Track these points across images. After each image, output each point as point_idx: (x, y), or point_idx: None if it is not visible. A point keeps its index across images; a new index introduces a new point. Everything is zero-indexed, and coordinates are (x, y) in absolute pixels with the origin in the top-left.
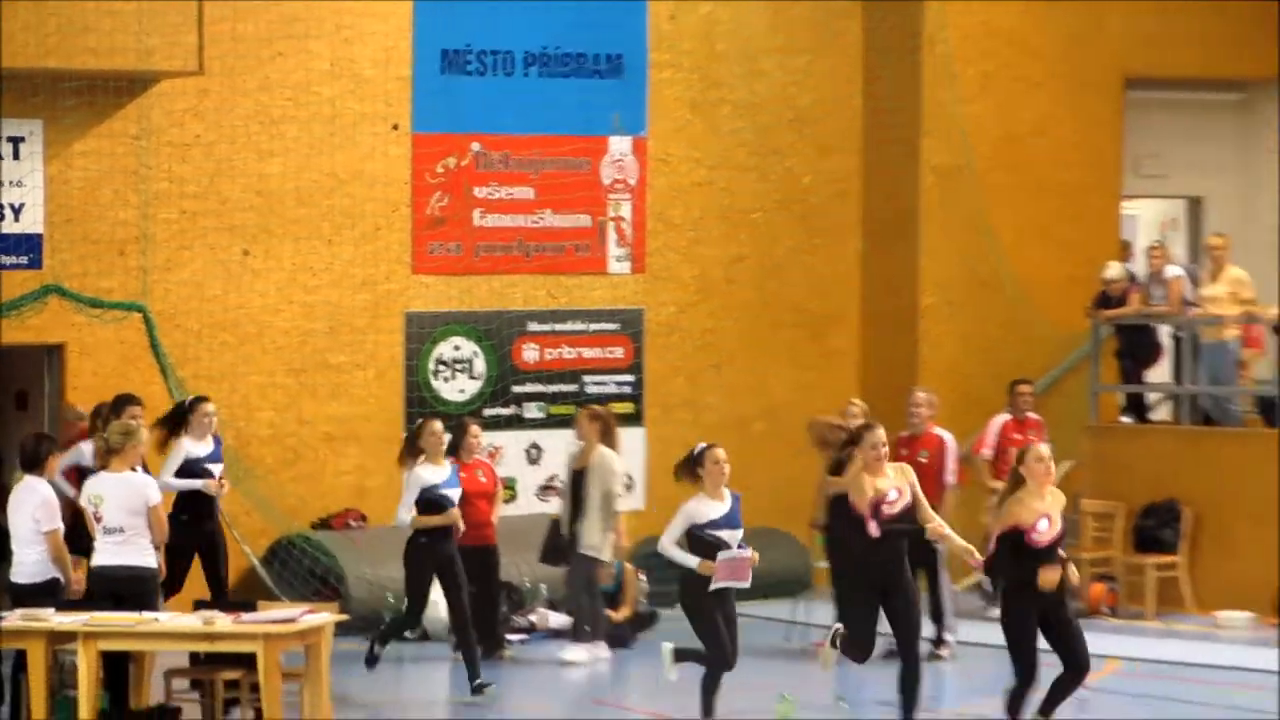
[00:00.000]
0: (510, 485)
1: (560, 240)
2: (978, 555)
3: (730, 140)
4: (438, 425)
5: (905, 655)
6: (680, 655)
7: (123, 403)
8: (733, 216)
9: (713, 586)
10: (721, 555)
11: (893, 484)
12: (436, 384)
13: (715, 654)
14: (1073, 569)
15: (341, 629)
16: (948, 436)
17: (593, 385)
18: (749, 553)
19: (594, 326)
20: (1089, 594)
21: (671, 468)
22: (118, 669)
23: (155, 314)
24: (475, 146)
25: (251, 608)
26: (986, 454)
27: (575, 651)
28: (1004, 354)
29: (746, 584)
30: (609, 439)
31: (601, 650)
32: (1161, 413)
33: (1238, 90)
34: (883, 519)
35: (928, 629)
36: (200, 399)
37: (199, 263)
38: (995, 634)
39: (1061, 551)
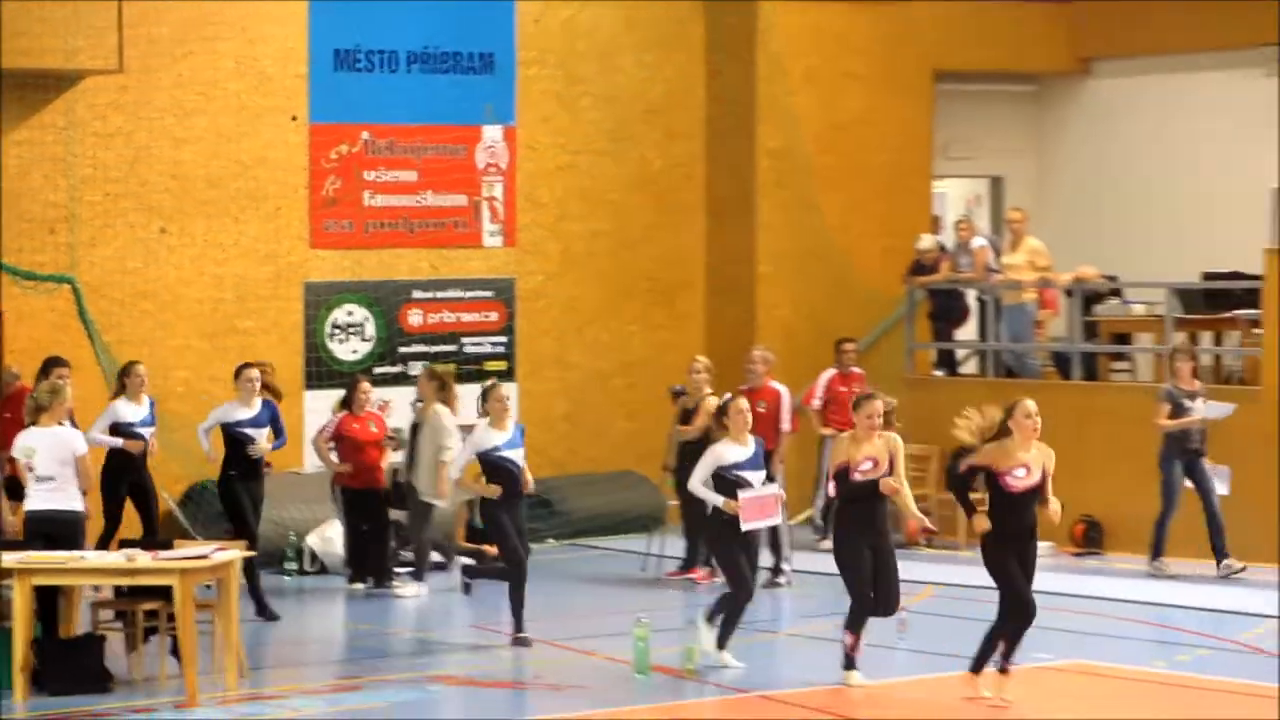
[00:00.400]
0: (397, 435)
1: (441, 218)
2: (927, 523)
3: (590, 129)
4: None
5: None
6: (715, 615)
7: (51, 365)
8: (592, 196)
9: (744, 528)
10: (744, 493)
11: (872, 453)
12: (332, 345)
13: (739, 588)
14: (1054, 509)
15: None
16: (783, 389)
17: (470, 346)
18: (774, 489)
19: (471, 294)
20: (908, 527)
21: (541, 419)
22: (49, 602)
23: (83, 285)
24: (365, 135)
25: (169, 546)
26: (816, 404)
27: (409, 588)
28: (831, 316)
29: (776, 521)
30: (445, 396)
31: (424, 588)
32: (969, 367)
33: (1033, 83)
34: (853, 483)
35: (767, 559)
36: (132, 363)
37: (121, 240)
38: (826, 563)
39: (1049, 498)
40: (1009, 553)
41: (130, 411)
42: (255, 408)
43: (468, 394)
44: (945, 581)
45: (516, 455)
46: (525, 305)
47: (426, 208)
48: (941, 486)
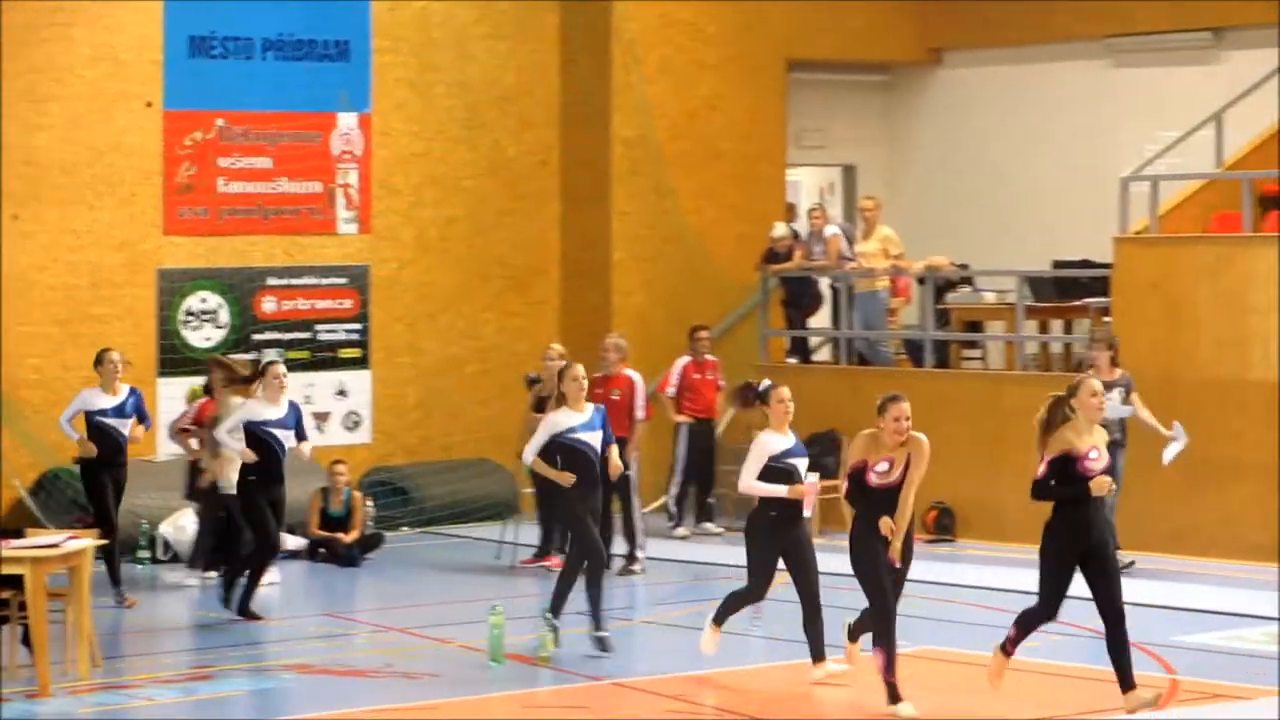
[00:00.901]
0: None
1: (295, 205)
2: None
3: (444, 116)
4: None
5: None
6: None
7: None
8: (446, 183)
9: (806, 513)
10: (811, 479)
11: (890, 454)
12: (186, 333)
13: (757, 587)
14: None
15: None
16: (637, 376)
17: (325, 333)
18: (813, 478)
19: (325, 281)
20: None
21: (395, 406)
22: None
23: None
24: (220, 122)
25: (20, 534)
26: (670, 392)
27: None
28: (685, 303)
29: (809, 512)
30: (234, 386)
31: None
32: (822, 354)
33: (884, 72)
34: (871, 485)
35: (621, 547)
36: (104, 350)
37: None
38: (679, 550)
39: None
40: (1074, 545)
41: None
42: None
43: (323, 381)
44: None
45: (594, 439)
46: (379, 292)
47: (281, 194)
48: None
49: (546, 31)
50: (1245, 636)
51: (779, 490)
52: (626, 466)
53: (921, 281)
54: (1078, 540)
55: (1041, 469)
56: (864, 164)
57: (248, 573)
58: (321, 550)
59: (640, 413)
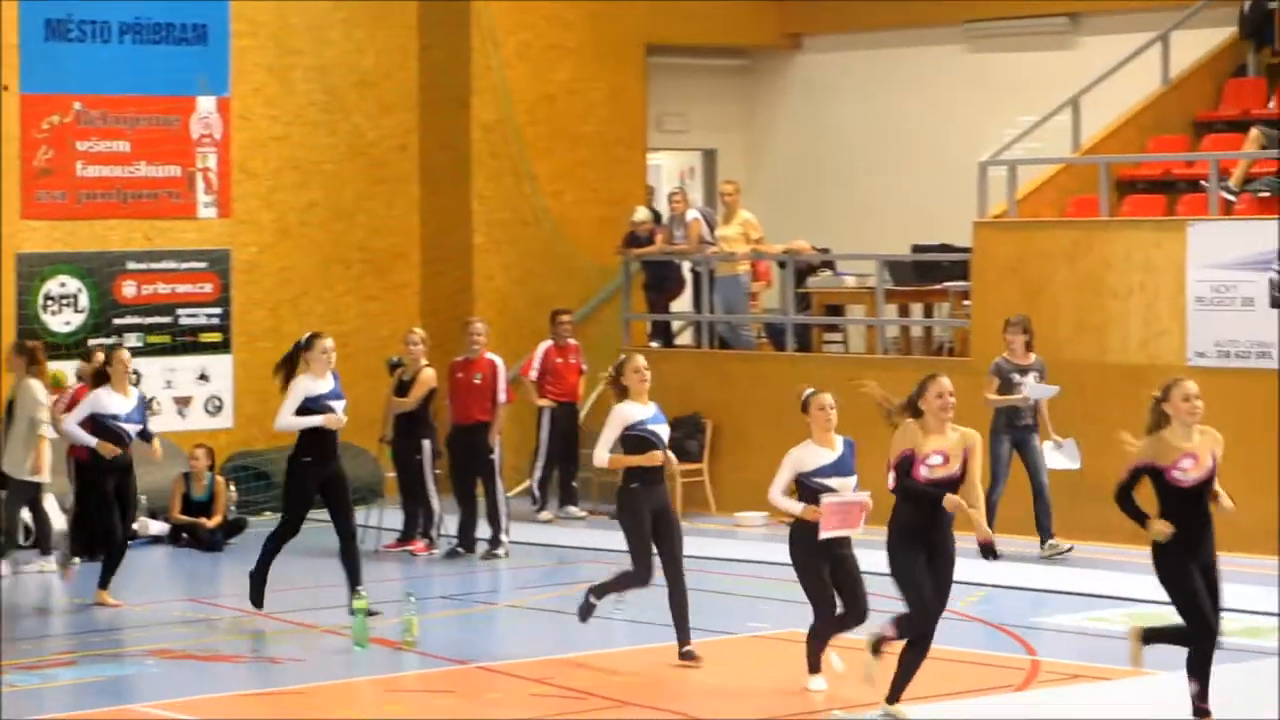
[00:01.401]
0: None
1: (155, 189)
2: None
3: (303, 100)
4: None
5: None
6: (876, 649)
7: None
8: (306, 167)
9: (822, 535)
10: (827, 499)
11: (944, 447)
12: (45, 317)
13: (822, 612)
14: (1225, 504)
15: None
16: (499, 360)
17: (185, 317)
18: (861, 497)
19: (185, 265)
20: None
21: (257, 390)
22: None
23: None
24: (77, 105)
25: None
26: (533, 376)
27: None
28: (546, 287)
29: (858, 531)
30: (35, 370)
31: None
32: (684, 338)
33: (744, 57)
34: (923, 480)
35: (484, 530)
36: (114, 346)
37: None
38: (543, 534)
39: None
40: (1187, 560)
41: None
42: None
43: (184, 366)
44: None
45: (662, 431)
46: (240, 276)
47: (140, 178)
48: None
49: (405, 15)
50: (1105, 618)
51: (794, 508)
52: (490, 450)
53: (782, 265)
54: (1192, 548)
55: (1124, 473)
56: (724, 148)
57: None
58: (184, 535)
59: (502, 396)
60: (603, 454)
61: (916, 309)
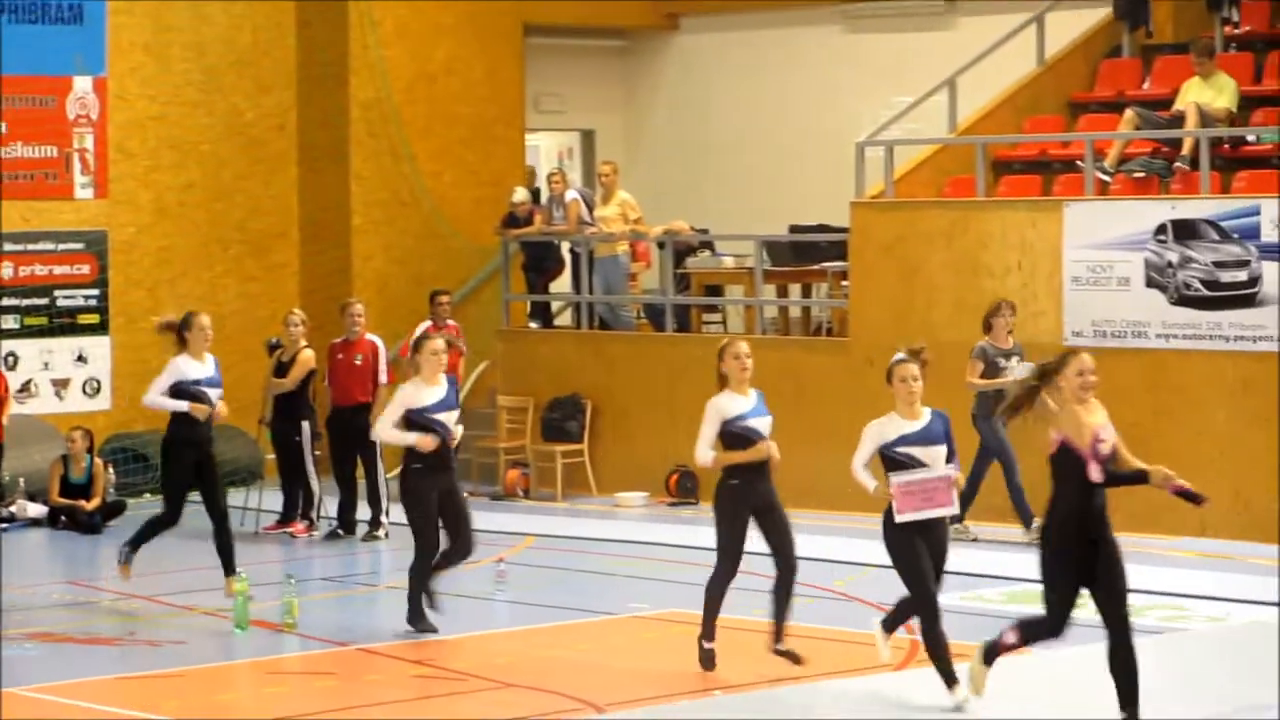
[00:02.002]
0: None
1: (31, 169)
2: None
3: (180, 79)
4: None
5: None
6: (890, 625)
7: None
8: (184, 147)
9: (899, 519)
10: (898, 479)
11: (1104, 423)
12: None
13: (920, 595)
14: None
15: None
16: (379, 341)
17: (63, 299)
18: (947, 471)
19: (63, 246)
20: (506, 479)
21: (135, 372)
22: None
23: None
24: None
25: None
26: (410, 356)
27: None
28: (425, 267)
29: (948, 510)
30: None
31: None
32: (564, 319)
33: (622, 37)
34: (1101, 459)
35: (365, 512)
36: (192, 313)
37: None
38: None
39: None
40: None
41: (194, 369)
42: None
43: (62, 347)
44: (543, 532)
45: (764, 424)
46: (118, 257)
47: (16, 159)
48: (538, 438)
49: None
50: (984, 596)
51: (869, 485)
52: (370, 431)
53: (661, 246)
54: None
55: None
56: (602, 129)
57: None
58: (62, 518)
59: (383, 377)
60: (705, 453)
61: (795, 289)
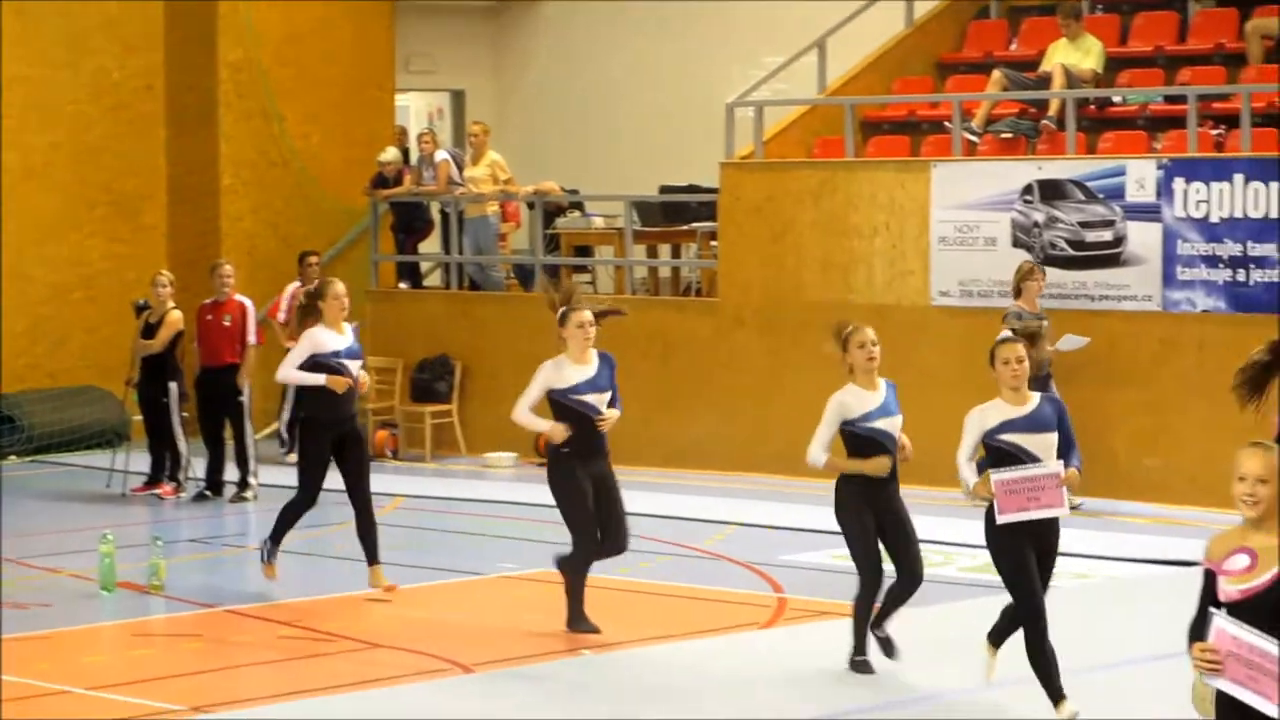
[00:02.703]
0: None
1: None
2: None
3: (45, 40)
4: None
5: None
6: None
7: None
8: (50, 108)
9: (1000, 519)
10: (1000, 475)
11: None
12: None
13: (1024, 606)
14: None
15: None
16: (248, 302)
17: None
18: (1053, 468)
19: None
20: (375, 440)
21: (3, 331)
22: None
23: None
24: None
25: None
26: (281, 318)
27: None
28: (294, 228)
29: (1060, 511)
30: None
31: None
32: (433, 279)
33: None
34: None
35: (233, 473)
36: (328, 281)
37: None
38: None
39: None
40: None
41: (332, 340)
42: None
43: None
44: (411, 493)
45: (893, 425)
46: None
47: None
48: (407, 399)
49: None
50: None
51: (969, 480)
52: (239, 392)
53: (531, 206)
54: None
55: None
56: (472, 90)
57: None
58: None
59: (252, 338)
60: (819, 455)
61: (664, 250)
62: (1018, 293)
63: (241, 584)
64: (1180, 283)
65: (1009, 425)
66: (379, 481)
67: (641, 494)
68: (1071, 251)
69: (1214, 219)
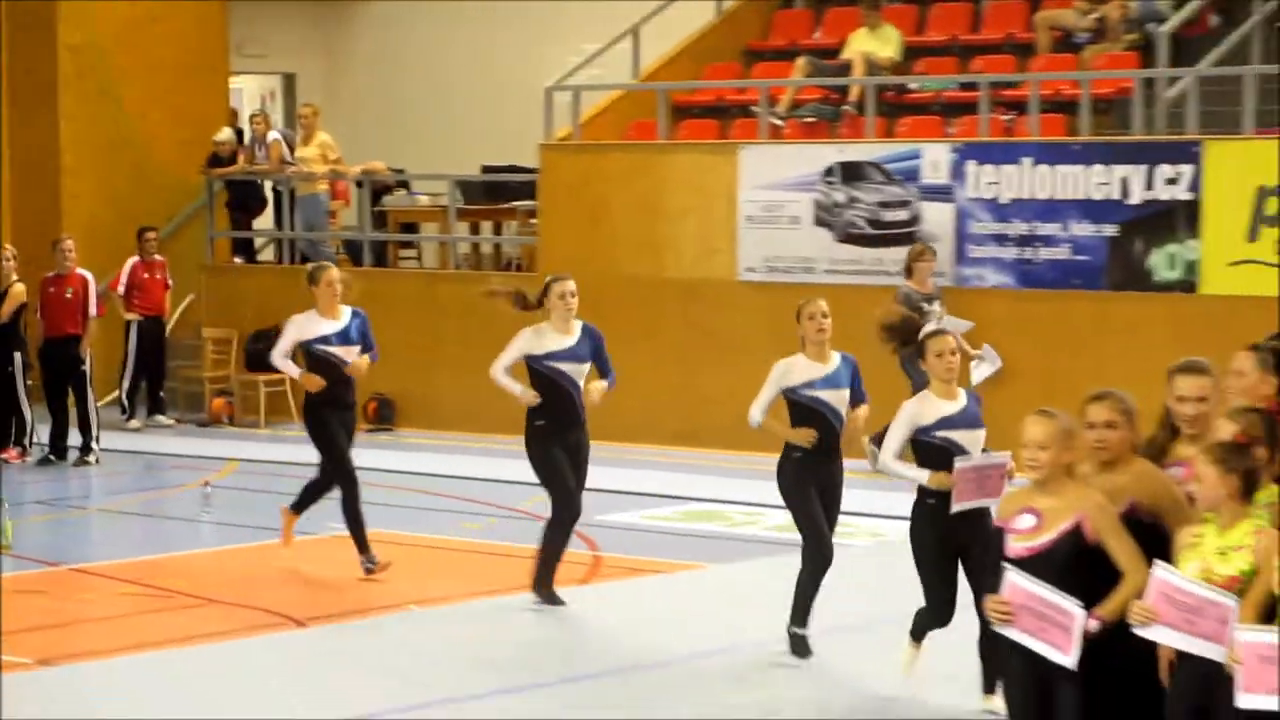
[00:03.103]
0: None
1: None
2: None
3: None
4: None
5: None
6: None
7: None
8: None
9: (955, 508)
10: (961, 463)
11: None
12: None
13: (933, 606)
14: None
15: None
16: (89, 276)
17: None
18: (1000, 458)
19: None
20: (211, 406)
21: None
22: None
23: None
24: None
25: None
26: (121, 290)
27: None
28: (133, 205)
29: (998, 500)
30: None
31: None
32: (266, 254)
33: None
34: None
35: (76, 439)
36: (320, 266)
37: None
38: (132, 441)
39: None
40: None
41: (322, 326)
42: (342, 318)
43: None
44: (246, 457)
45: (836, 398)
46: None
47: None
48: (242, 368)
49: None
50: (661, 515)
51: (919, 476)
52: (81, 362)
53: (359, 185)
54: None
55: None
56: (303, 73)
57: None
58: None
59: (93, 310)
60: (755, 415)
61: (487, 226)
62: (909, 272)
63: (85, 544)
64: (971, 260)
65: (947, 422)
66: (216, 446)
67: (466, 458)
68: (870, 230)
69: (1003, 200)
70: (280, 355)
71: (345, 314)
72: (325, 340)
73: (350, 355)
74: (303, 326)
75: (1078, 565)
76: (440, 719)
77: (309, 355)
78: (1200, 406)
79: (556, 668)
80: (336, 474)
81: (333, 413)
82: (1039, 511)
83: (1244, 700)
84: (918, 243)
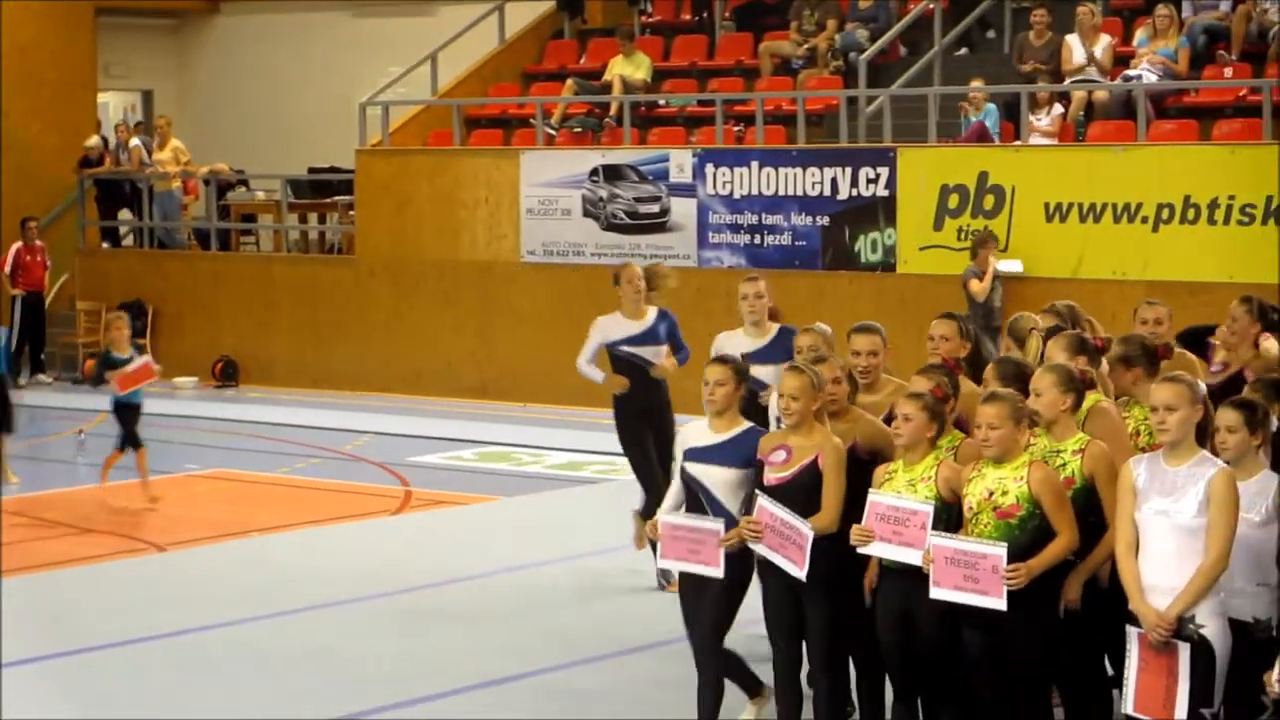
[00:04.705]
0: None
1: None
2: None
3: None
4: None
5: None
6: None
7: None
8: None
9: (661, 564)
10: (667, 519)
11: None
12: None
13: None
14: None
15: None
16: None
17: None
18: (715, 524)
19: None
20: (84, 367)
21: None
22: None
23: None
24: None
25: None
26: (7, 271)
27: None
28: (17, 200)
29: (715, 574)
30: None
31: None
32: (130, 240)
33: (174, 17)
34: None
35: None
36: (623, 266)
37: None
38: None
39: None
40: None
41: (627, 328)
42: (647, 318)
43: None
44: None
45: (651, 352)
46: None
47: None
48: (108, 336)
49: None
50: (461, 456)
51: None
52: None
53: (207, 183)
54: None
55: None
56: (159, 90)
57: None
58: None
59: None
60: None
61: (314, 217)
62: (974, 255)
63: None
64: (711, 244)
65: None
66: (88, 400)
67: (295, 409)
68: (628, 220)
69: (736, 196)
70: (584, 361)
71: (651, 314)
72: (630, 341)
73: (658, 356)
74: (606, 329)
75: (815, 493)
76: (277, 627)
77: (614, 358)
78: (871, 360)
79: (374, 584)
80: (640, 481)
81: (642, 422)
82: (790, 448)
83: (935, 593)
84: (980, 233)
